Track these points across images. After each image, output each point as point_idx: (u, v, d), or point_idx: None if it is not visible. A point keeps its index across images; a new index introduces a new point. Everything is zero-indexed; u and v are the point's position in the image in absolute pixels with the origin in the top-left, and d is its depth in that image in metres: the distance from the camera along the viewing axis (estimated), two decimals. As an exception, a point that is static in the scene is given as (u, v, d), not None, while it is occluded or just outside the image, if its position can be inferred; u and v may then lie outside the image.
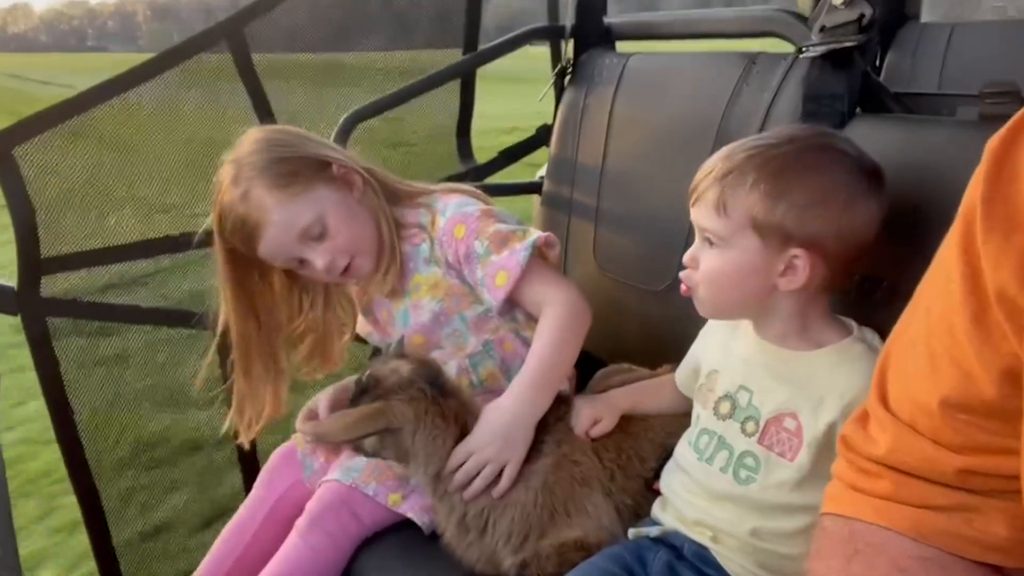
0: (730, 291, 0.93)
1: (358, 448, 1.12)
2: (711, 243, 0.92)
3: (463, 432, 1.10)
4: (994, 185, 0.51)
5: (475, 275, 1.20)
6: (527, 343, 1.22)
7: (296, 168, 1.19)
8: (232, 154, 1.21)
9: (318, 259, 1.19)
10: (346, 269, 1.22)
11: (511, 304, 1.21)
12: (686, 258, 0.96)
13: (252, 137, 1.21)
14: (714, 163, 0.93)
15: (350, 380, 1.28)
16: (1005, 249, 0.50)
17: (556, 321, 1.15)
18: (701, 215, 0.93)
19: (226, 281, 1.24)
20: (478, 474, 1.07)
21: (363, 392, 1.11)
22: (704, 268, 0.93)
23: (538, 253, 1.19)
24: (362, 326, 1.39)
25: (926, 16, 2.95)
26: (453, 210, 1.24)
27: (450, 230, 1.22)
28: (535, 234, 1.19)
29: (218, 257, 1.24)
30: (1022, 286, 0.49)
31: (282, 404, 1.30)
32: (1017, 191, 0.50)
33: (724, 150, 0.94)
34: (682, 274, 0.96)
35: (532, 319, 1.23)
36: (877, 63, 2.75)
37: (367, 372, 1.14)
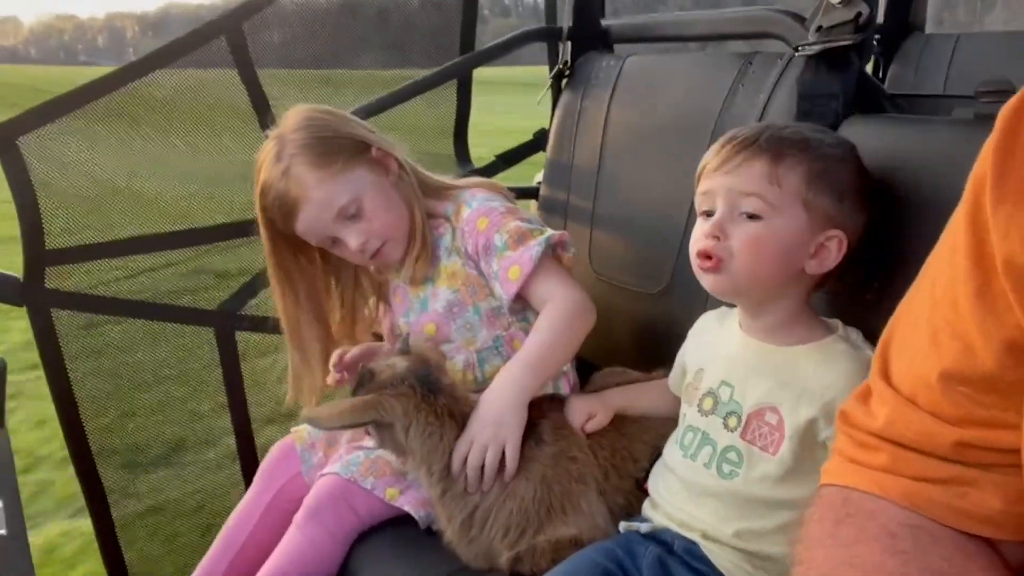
0: (768, 263, 0.90)
1: (369, 433, 1.14)
2: (749, 216, 0.90)
3: (463, 429, 1.10)
4: (1006, 154, 0.50)
5: (491, 267, 1.23)
6: None
7: (337, 147, 1.21)
8: (276, 131, 1.23)
9: (352, 239, 1.21)
10: (377, 252, 1.24)
11: (522, 300, 1.23)
12: (710, 228, 0.91)
13: (296, 115, 1.23)
14: (752, 134, 0.92)
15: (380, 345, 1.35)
16: (1015, 217, 0.49)
17: (555, 315, 1.17)
18: (744, 181, 0.90)
19: (269, 258, 1.27)
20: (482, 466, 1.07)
21: (359, 384, 1.12)
22: (745, 236, 0.90)
23: (552, 253, 1.21)
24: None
25: (932, 28, 2.95)
26: (479, 203, 1.26)
27: (473, 221, 1.24)
28: (550, 232, 1.21)
29: (262, 234, 1.26)
30: None
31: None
32: None
33: (757, 125, 0.96)
34: (709, 245, 0.91)
35: None
36: (880, 74, 2.76)
37: (365, 366, 1.15)
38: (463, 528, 1.08)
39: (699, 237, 0.93)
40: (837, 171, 0.91)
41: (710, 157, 0.95)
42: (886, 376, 0.60)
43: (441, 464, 1.08)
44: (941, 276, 0.56)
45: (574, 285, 1.21)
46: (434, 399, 1.09)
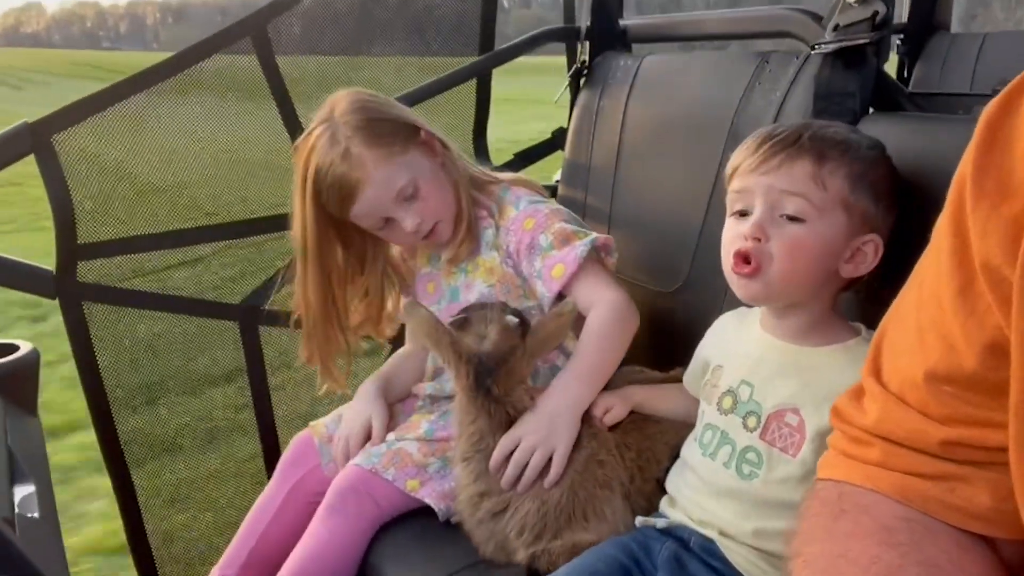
0: (807, 267, 0.88)
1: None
2: (790, 218, 0.88)
3: (500, 425, 1.11)
4: (986, 153, 0.51)
5: (533, 266, 1.24)
6: (561, 349, 1.25)
7: (393, 129, 1.23)
8: (321, 115, 1.24)
9: (408, 219, 1.23)
10: (431, 232, 1.27)
11: (562, 299, 1.23)
12: (750, 229, 0.89)
13: (346, 99, 1.24)
14: (793, 133, 0.90)
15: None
16: (992, 218, 0.49)
17: (602, 321, 1.18)
18: (787, 181, 0.88)
19: (309, 241, 1.27)
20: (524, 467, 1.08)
21: (452, 322, 1.16)
22: (786, 240, 0.88)
23: (596, 256, 1.23)
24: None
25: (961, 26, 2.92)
26: (526, 204, 1.29)
27: (521, 221, 1.27)
28: (595, 235, 1.23)
29: (303, 220, 1.26)
30: (1008, 256, 0.48)
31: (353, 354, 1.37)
32: (1009, 160, 0.49)
33: (795, 124, 0.93)
34: (748, 247, 0.88)
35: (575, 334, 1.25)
36: (905, 74, 2.74)
37: (471, 309, 1.18)
38: (471, 501, 1.10)
39: (735, 237, 0.91)
40: (875, 173, 0.90)
41: (746, 155, 0.92)
42: (877, 374, 0.60)
43: (469, 443, 1.10)
44: (928, 277, 0.56)
45: (617, 287, 1.22)
46: (475, 394, 1.10)
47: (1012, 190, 0.48)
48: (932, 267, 0.56)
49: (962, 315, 0.52)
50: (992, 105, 0.52)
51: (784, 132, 0.91)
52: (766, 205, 0.89)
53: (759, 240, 0.88)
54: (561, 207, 1.32)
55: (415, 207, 1.23)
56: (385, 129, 1.22)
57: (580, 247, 1.20)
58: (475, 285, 1.30)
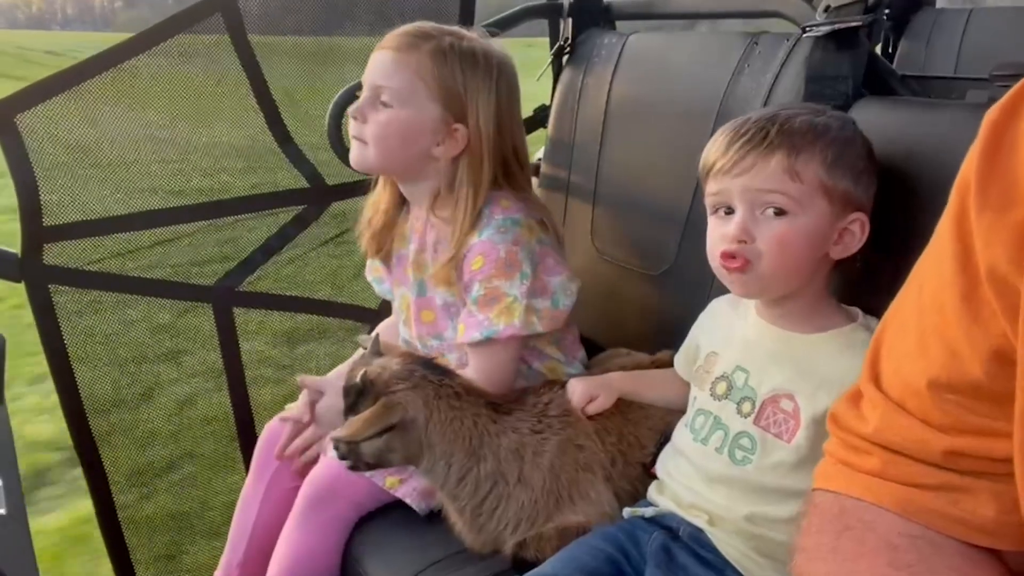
0: (797, 258, 0.89)
1: (355, 466, 1.05)
2: (776, 212, 0.88)
3: (489, 402, 1.08)
4: (991, 158, 0.49)
5: (464, 304, 1.19)
6: (540, 353, 1.24)
7: (449, 73, 1.15)
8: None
9: (356, 105, 1.18)
10: (360, 139, 1.19)
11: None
12: (735, 232, 0.89)
13: (476, 32, 1.21)
14: (760, 130, 0.90)
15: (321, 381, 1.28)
16: (997, 225, 0.48)
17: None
18: (763, 180, 0.88)
19: None
20: None
21: (360, 394, 1.06)
22: (772, 236, 0.88)
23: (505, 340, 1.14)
24: (371, 271, 1.39)
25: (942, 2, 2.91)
26: (489, 234, 1.15)
27: (473, 256, 1.16)
28: (503, 327, 1.13)
29: None
30: (1014, 264, 0.47)
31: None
32: (1015, 165, 0.48)
33: (758, 119, 0.91)
34: (735, 248, 0.89)
35: (548, 337, 1.23)
36: (890, 50, 2.72)
37: (360, 374, 1.08)
38: (474, 517, 1.07)
39: (720, 239, 0.91)
40: (849, 153, 0.90)
41: (716, 156, 0.92)
42: (876, 380, 0.59)
43: (464, 446, 1.05)
44: (929, 281, 0.55)
45: (499, 379, 1.16)
46: (450, 380, 1.07)
47: (1018, 196, 0.47)
48: (933, 271, 0.55)
49: (966, 322, 0.51)
50: (996, 109, 0.50)
51: (752, 129, 0.90)
52: (746, 206, 0.89)
53: (745, 242, 0.89)
54: (525, 246, 1.16)
55: (371, 109, 1.16)
56: (449, 64, 1.15)
57: (483, 331, 1.13)
58: (439, 292, 1.22)
